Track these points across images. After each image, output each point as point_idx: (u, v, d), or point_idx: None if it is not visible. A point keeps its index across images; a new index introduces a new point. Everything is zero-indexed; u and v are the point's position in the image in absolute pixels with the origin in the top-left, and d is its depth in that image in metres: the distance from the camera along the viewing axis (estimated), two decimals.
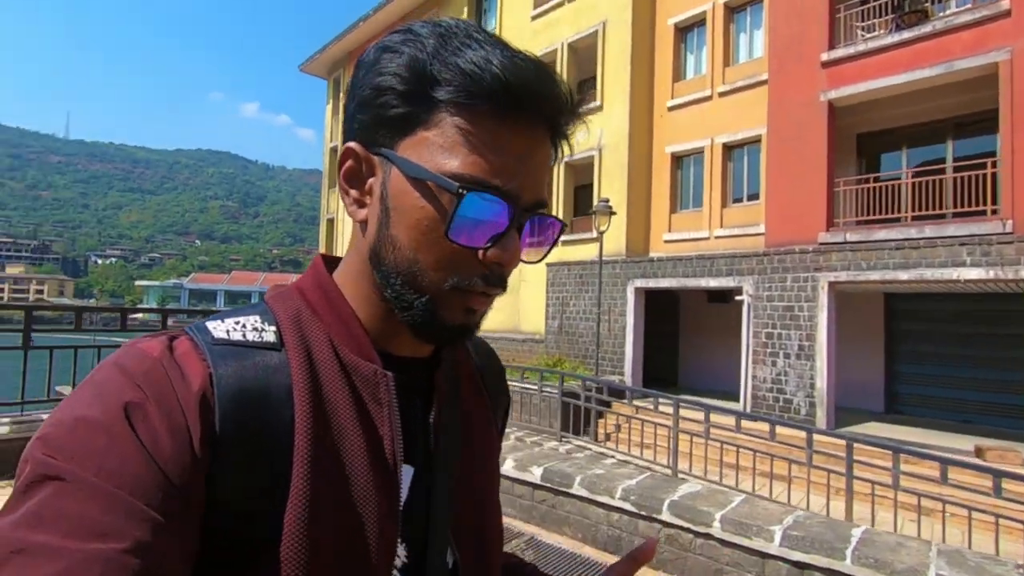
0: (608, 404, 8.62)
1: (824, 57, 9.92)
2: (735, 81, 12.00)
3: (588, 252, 13.02)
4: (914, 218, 9.35)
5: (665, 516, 3.04)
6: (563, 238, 14.06)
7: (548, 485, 3.68)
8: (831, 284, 9.53)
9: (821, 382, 9.51)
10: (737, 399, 10.75)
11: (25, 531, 0.34)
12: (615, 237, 13.17)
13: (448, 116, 0.45)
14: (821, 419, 9.42)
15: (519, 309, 15.15)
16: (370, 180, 0.49)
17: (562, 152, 0.51)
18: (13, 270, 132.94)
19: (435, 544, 0.50)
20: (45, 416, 4.43)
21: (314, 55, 23.54)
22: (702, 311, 13.93)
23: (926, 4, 9.38)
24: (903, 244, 8.81)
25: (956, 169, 9.29)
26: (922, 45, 8.95)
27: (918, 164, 10.32)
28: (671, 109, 13.16)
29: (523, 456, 3.99)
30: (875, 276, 9.02)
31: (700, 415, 5.75)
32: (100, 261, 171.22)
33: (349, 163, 0.49)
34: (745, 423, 5.51)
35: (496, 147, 0.45)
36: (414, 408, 0.52)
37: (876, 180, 9.95)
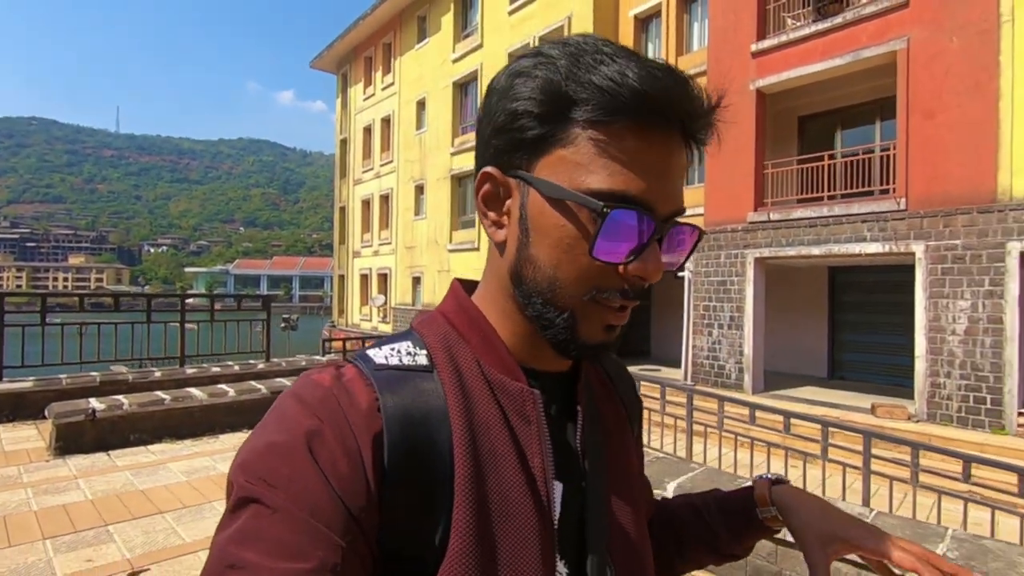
0: None
1: (753, 47, 10.60)
2: (687, 69, 12.66)
3: None
4: (843, 196, 10.05)
5: None
6: None
7: None
8: (757, 260, 10.39)
9: (748, 349, 10.44)
10: (689, 367, 11.76)
11: (236, 547, 0.40)
12: None
13: (584, 133, 0.45)
14: (748, 383, 10.38)
15: None
16: (508, 202, 0.50)
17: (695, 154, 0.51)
18: (75, 260, 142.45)
19: (594, 560, 0.51)
20: (62, 376, 6.00)
21: (322, 52, 24.96)
22: (669, 286, 14.85)
23: None
24: (815, 222, 9.60)
25: (865, 152, 9.94)
26: (836, 35, 9.56)
27: (853, 144, 10.93)
28: None
29: None
30: (791, 252, 9.85)
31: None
32: (153, 250, 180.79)
33: (487, 187, 0.51)
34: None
35: (634, 160, 0.45)
36: (559, 424, 0.54)
37: (801, 162, 10.64)
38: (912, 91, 8.59)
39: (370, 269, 23.43)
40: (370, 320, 23.02)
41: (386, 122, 22.72)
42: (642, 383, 6.40)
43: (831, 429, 5.00)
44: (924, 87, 8.47)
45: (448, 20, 18.89)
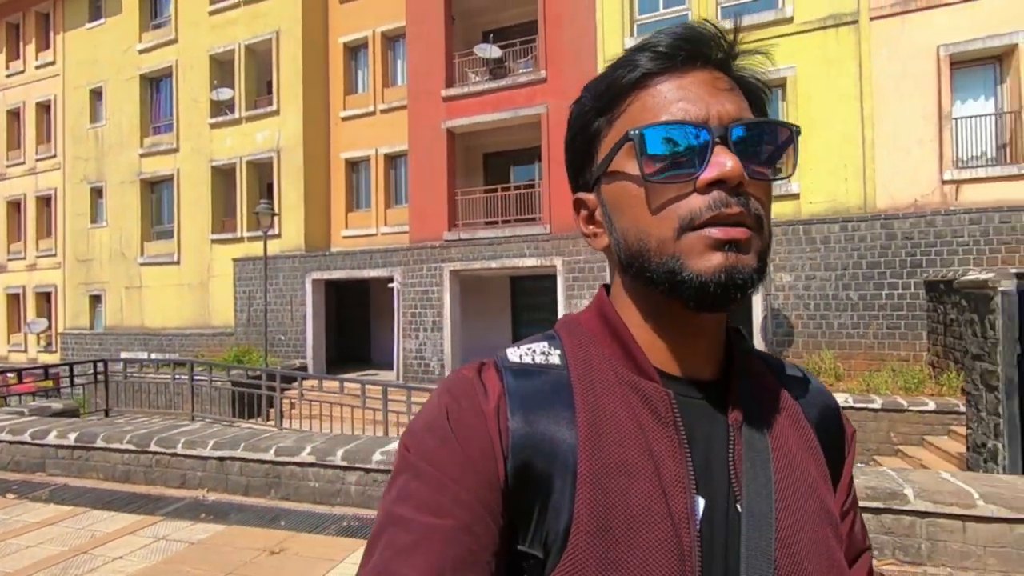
0: (280, 389, 9.08)
1: (443, 93, 12.57)
2: (393, 101, 14.14)
3: (272, 247, 13.92)
4: (515, 221, 12.64)
5: (126, 446, 4.61)
6: (247, 233, 14.70)
7: (80, 444, 4.88)
8: (452, 272, 12.33)
9: (448, 348, 12.29)
10: (400, 367, 13.05)
11: (394, 506, 0.46)
12: (295, 233, 14.38)
13: (620, 111, 0.50)
14: None
15: (209, 304, 15.32)
16: (596, 213, 0.54)
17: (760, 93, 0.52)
18: None
19: None
20: None
21: None
22: (385, 296, 16.09)
23: (507, 63, 12.64)
24: (494, 241, 11.95)
25: (528, 186, 12.86)
26: (503, 94, 12.12)
27: (521, 179, 13.81)
28: (344, 119, 14.81)
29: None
30: (477, 265, 12.03)
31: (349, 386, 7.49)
32: None
33: (582, 212, 0.56)
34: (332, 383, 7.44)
35: (659, 101, 0.48)
36: (706, 434, 0.50)
37: (485, 192, 13.07)
38: (551, 145, 11.51)
39: (23, 287, 18.80)
40: (25, 350, 18.47)
41: (44, 108, 18.63)
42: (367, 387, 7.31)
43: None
44: (558, 143, 11.43)
45: (132, 3, 16.67)
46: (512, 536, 0.47)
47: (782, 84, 9.98)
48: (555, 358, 0.52)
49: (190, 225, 15.75)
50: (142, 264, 16.45)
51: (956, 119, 9.24)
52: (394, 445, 4.35)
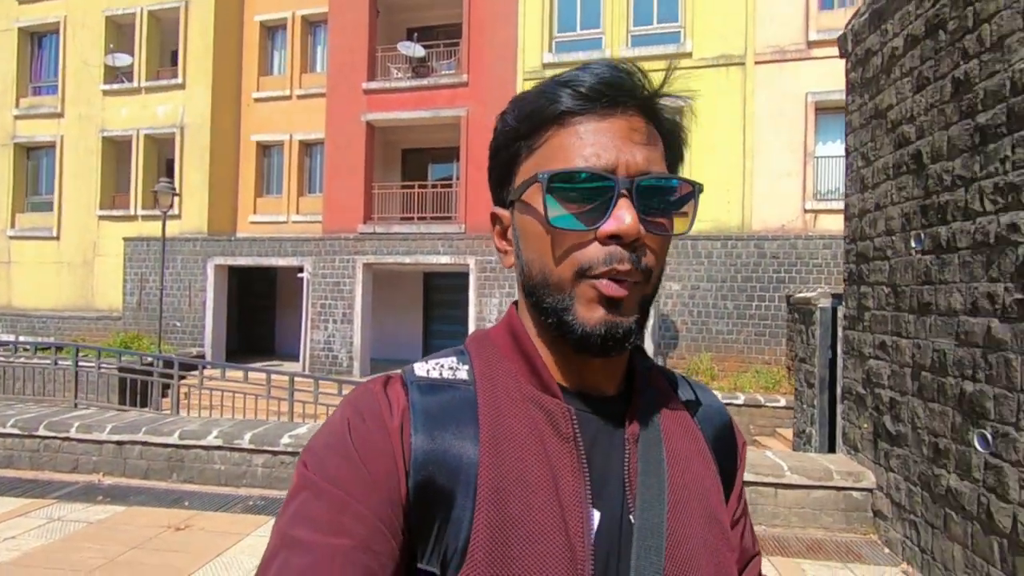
0: (178, 377, 8.34)
1: (365, 86, 12.56)
2: (311, 87, 13.86)
3: (171, 228, 13.14)
4: (431, 218, 12.88)
5: (9, 430, 4.51)
6: (141, 212, 13.81)
7: None
8: (365, 265, 12.37)
9: (357, 340, 12.31)
10: (307, 359, 12.85)
11: (290, 527, 0.45)
12: (198, 215, 13.70)
13: (539, 141, 0.51)
14: (357, 369, 12.23)
15: (93, 285, 14.20)
16: (509, 231, 0.55)
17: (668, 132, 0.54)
18: None
19: None
20: None
21: None
22: (293, 286, 15.70)
23: (429, 63, 12.88)
24: (409, 237, 12.15)
25: (445, 185, 13.18)
26: (424, 93, 12.35)
27: (439, 177, 14.08)
28: (257, 100, 14.29)
29: None
30: (391, 259, 12.17)
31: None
32: None
33: (496, 227, 0.57)
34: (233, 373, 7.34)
35: (575, 141, 0.49)
36: (604, 448, 0.52)
37: (402, 187, 13.22)
38: (470, 147, 11.91)
39: None
40: None
41: None
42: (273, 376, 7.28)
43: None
44: (477, 146, 11.87)
45: None
46: (412, 556, 0.47)
47: (679, 112, 11.02)
48: (463, 373, 0.53)
49: (74, 198, 14.47)
50: (12, 237, 14.87)
51: (818, 157, 10.75)
52: (302, 430, 4.56)
